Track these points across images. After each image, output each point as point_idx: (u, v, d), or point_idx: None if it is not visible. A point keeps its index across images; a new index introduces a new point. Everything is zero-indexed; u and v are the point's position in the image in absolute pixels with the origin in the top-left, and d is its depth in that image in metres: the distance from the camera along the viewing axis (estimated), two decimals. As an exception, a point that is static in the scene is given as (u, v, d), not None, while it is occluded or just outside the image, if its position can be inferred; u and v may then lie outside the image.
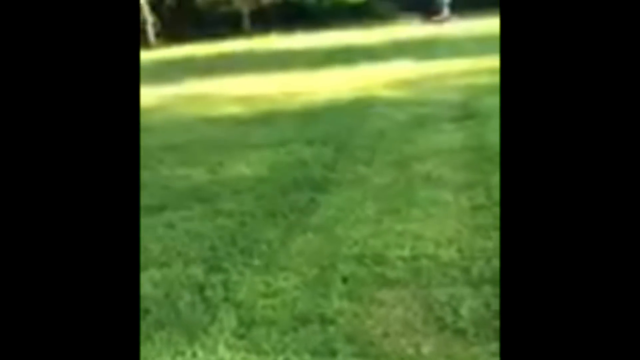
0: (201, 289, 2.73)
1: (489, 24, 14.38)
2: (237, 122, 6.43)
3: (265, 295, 2.62)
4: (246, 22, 20.97)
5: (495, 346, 2.14)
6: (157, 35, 19.35)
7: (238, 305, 2.55)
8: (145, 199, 3.69)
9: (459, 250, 2.88)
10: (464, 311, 2.36)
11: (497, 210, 3.29)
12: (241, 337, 2.33)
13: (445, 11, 16.87)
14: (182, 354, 2.26)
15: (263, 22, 20.05)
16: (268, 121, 6.29)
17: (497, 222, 3.14)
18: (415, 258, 2.84)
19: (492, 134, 4.88)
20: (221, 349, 2.26)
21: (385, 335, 2.27)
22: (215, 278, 2.81)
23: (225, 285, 2.74)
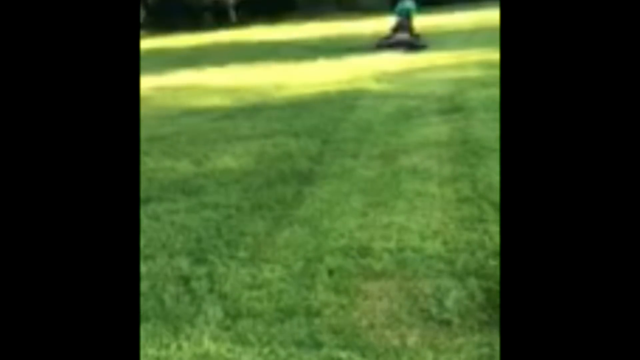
0: (186, 281, 2.72)
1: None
2: (222, 113, 6.40)
3: (251, 287, 2.61)
4: (232, 13, 20.87)
5: (479, 337, 2.15)
6: (143, 25, 19.20)
7: (223, 297, 2.55)
8: (130, 190, 3.65)
9: (445, 243, 2.89)
10: (449, 303, 2.38)
11: (482, 202, 3.31)
12: (227, 329, 2.33)
13: (403, 34, 10.52)
14: (167, 346, 2.25)
15: (249, 13, 19.97)
16: (254, 113, 6.27)
17: (483, 215, 3.16)
18: (400, 250, 2.84)
19: (479, 127, 4.90)
20: (206, 341, 2.26)
21: (371, 326, 2.28)
22: (201, 270, 2.80)
23: (210, 277, 2.73)
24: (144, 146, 5.01)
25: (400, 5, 10.85)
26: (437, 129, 5.07)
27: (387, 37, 10.56)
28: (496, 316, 2.23)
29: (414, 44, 10.11)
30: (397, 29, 10.65)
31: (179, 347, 2.24)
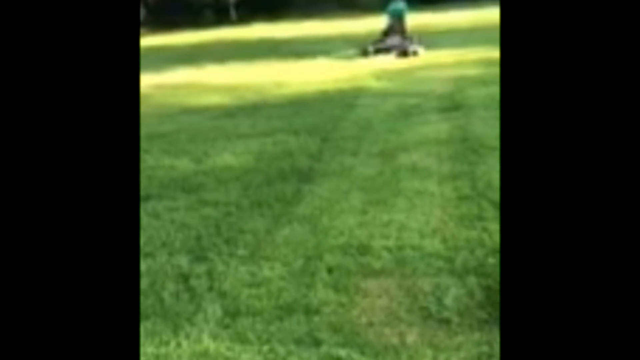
0: (186, 279, 2.72)
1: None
2: (222, 111, 6.40)
3: (250, 285, 2.62)
4: (232, 11, 20.86)
5: (479, 335, 2.16)
6: (143, 23, 19.19)
7: (223, 295, 2.55)
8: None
9: (444, 241, 2.89)
10: (448, 301, 2.38)
11: (482, 201, 3.31)
12: (226, 326, 2.33)
13: (394, 38, 9.76)
14: (167, 343, 2.26)
15: (249, 11, 19.96)
16: (254, 111, 6.27)
17: (482, 213, 3.16)
18: (400, 248, 2.85)
19: (478, 125, 4.90)
20: (206, 339, 2.26)
21: (370, 324, 2.28)
22: (200, 268, 2.80)
23: (210, 275, 2.73)
24: (143, 144, 5.01)
25: (392, 6, 10.12)
26: (437, 127, 5.07)
27: (377, 42, 9.80)
28: (496, 314, 2.23)
29: (406, 49, 9.32)
30: (387, 32, 9.91)
31: (179, 345, 2.24)
